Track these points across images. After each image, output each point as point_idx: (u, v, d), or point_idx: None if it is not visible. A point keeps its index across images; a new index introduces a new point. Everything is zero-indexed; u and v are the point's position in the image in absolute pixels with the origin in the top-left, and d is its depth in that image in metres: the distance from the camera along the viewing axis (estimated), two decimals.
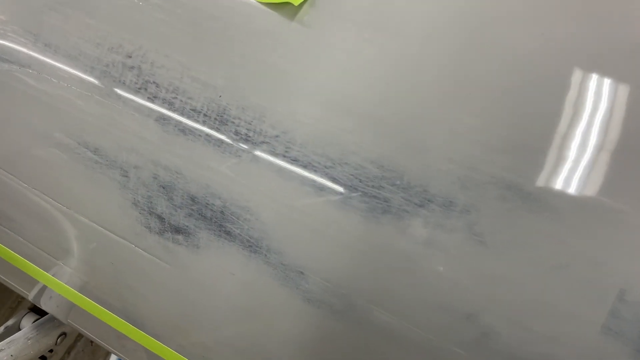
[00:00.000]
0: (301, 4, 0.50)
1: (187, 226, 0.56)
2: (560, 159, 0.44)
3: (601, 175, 0.43)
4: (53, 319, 1.02)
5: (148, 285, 0.62)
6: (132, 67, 0.54)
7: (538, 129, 0.44)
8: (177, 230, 0.56)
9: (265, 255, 0.53)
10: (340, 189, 0.49)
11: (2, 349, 0.91)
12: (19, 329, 1.08)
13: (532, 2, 0.44)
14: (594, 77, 0.43)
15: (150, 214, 0.57)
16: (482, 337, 0.47)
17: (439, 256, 0.47)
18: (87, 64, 0.55)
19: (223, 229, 0.54)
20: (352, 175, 0.49)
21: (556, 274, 0.44)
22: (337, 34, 0.49)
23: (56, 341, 1.01)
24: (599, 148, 0.43)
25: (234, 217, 0.53)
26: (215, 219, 0.54)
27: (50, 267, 0.69)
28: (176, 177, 0.54)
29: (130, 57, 0.54)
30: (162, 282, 0.60)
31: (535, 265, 0.45)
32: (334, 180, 0.50)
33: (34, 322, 1.06)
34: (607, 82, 0.43)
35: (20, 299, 1.99)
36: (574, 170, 0.43)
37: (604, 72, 0.43)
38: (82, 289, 0.68)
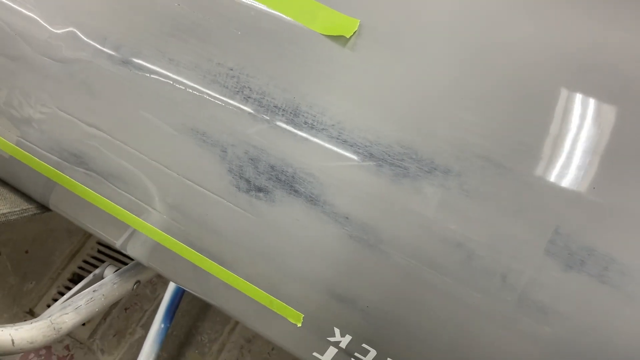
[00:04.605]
0: (351, 36, 0.75)
1: (267, 186, 0.81)
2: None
3: None
4: (131, 269, 1.28)
5: (233, 231, 0.87)
6: (233, 77, 0.79)
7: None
8: (260, 189, 0.81)
9: (322, 206, 0.78)
10: (375, 161, 0.74)
11: (96, 290, 1.17)
12: (102, 277, 1.34)
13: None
14: None
15: (240, 178, 0.82)
16: (468, 259, 0.72)
17: (439, 207, 0.72)
18: (200, 74, 0.80)
19: (293, 188, 0.79)
20: (383, 152, 0.74)
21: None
22: (377, 57, 0.74)
23: (133, 287, 1.27)
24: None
25: (301, 180, 0.78)
26: (287, 181, 0.79)
27: (144, 215, 0.94)
28: (261, 153, 0.80)
29: (232, 69, 0.79)
30: (245, 228, 0.85)
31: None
32: (371, 155, 0.75)
33: (114, 272, 1.32)
34: None
35: (61, 271, 2.26)
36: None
37: None
38: (175, 234, 0.93)
